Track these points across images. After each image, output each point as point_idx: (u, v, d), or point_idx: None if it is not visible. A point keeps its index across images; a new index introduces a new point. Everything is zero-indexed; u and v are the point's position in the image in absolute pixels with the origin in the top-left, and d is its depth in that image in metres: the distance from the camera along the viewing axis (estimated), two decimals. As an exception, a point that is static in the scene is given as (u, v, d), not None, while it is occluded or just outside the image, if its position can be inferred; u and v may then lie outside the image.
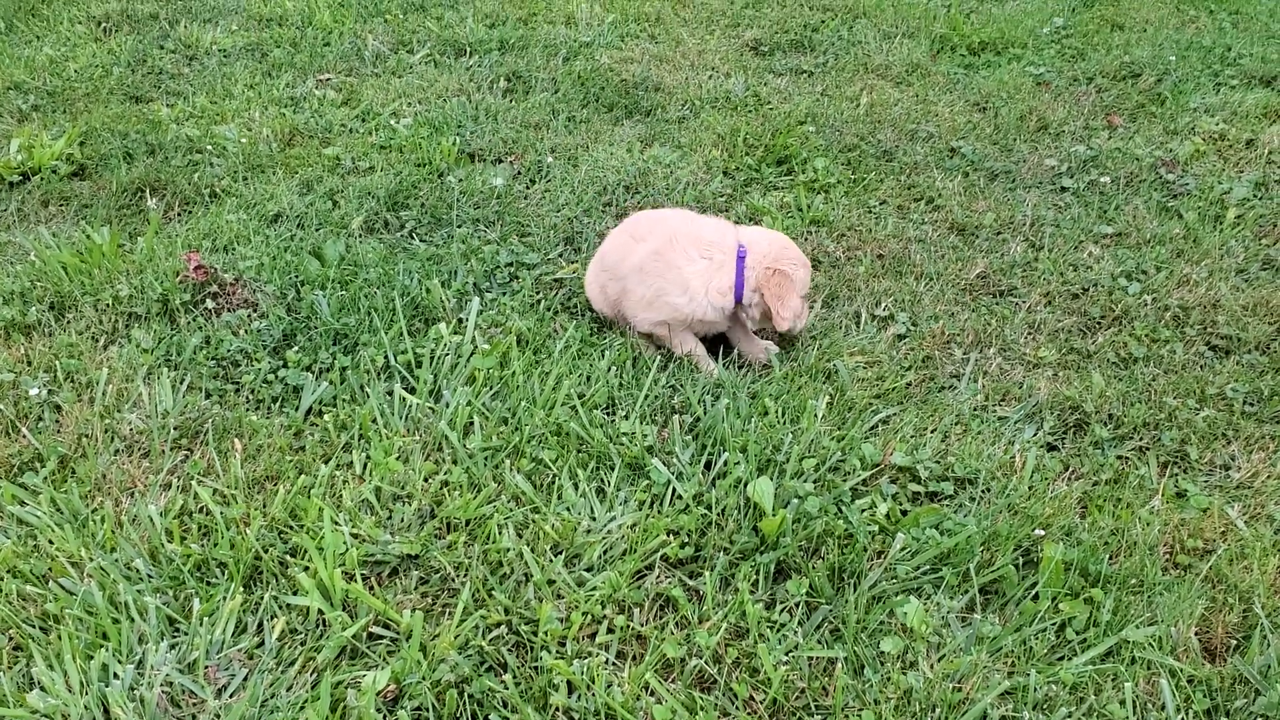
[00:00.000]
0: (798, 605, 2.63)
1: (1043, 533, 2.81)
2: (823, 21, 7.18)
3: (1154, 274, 4.07)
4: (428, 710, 2.37)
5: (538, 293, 3.95)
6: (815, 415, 3.23)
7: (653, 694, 2.42)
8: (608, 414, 3.29)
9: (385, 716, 2.36)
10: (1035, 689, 2.41)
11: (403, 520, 2.84)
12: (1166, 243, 4.31)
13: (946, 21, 7.14)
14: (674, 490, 2.96)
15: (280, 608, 2.60)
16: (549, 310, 3.82)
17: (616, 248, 3.66)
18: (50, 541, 2.75)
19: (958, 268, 4.14)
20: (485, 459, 3.06)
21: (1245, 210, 4.57)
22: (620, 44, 6.77)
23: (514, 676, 2.45)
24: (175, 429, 3.20)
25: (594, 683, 2.41)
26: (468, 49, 6.64)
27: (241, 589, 2.63)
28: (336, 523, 2.80)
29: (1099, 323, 3.83)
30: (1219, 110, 5.62)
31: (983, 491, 2.99)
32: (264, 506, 2.89)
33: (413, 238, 4.40)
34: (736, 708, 2.41)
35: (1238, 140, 5.24)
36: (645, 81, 6.08)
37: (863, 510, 2.88)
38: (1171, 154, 5.12)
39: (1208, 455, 3.20)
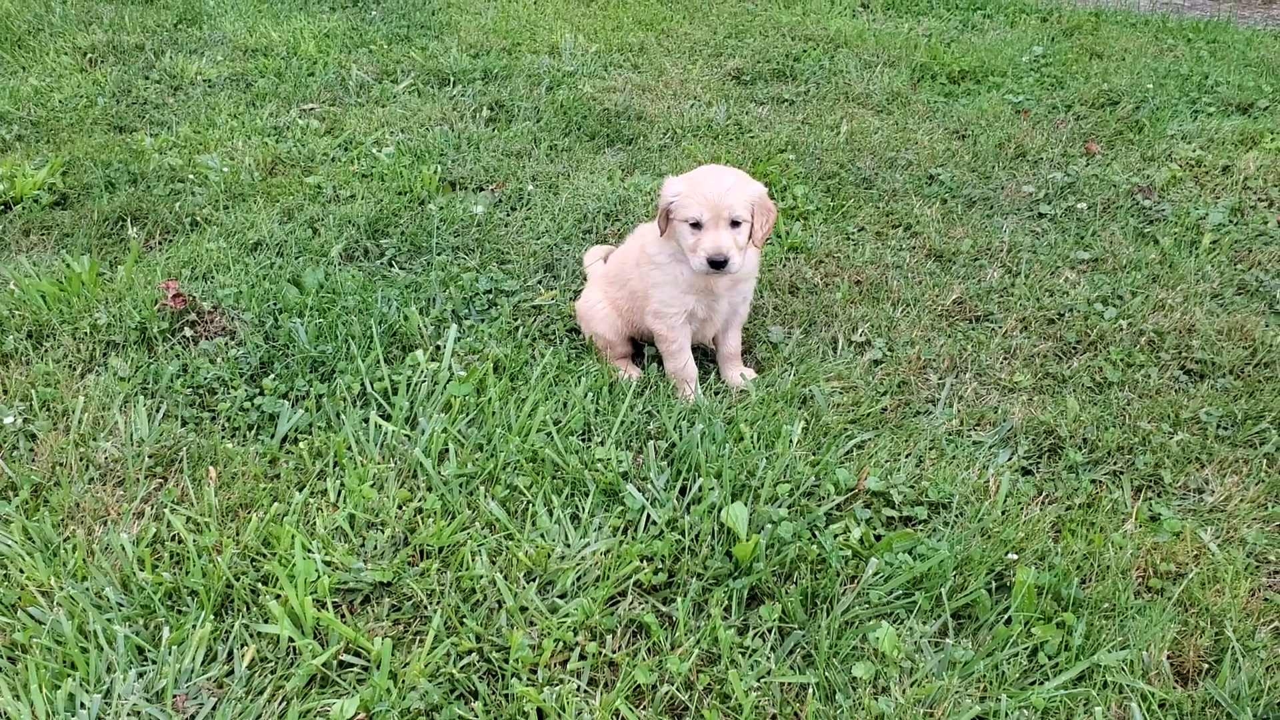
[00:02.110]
0: (770, 631, 2.63)
1: (1015, 557, 2.82)
2: (805, 51, 7.24)
3: (1130, 299, 4.09)
4: (397, 738, 2.36)
5: (516, 320, 3.96)
6: (790, 440, 3.23)
7: (623, 721, 2.42)
8: (583, 440, 3.29)
9: (354, 745, 2.35)
10: (1007, 714, 2.40)
11: (376, 548, 2.84)
12: (1142, 268, 4.34)
13: (927, 51, 7.21)
14: (648, 516, 2.96)
15: (251, 636, 2.59)
16: (527, 337, 3.83)
17: (618, 258, 3.72)
18: (20, 570, 2.73)
19: (934, 293, 4.16)
20: (460, 486, 3.06)
21: (1221, 236, 4.61)
22: (604, 73, 6.83)
23: (484, 704, 2.43)
24: (150, 457, 3.19)
25: (565, 710, 2.40)
26: (451, 78, 6.68)
27: (212, 617, 2.62)
28: (309, 550, 2.79)
29: (1074, 347, 3.85)
30: (1196, 137, 5.68)
31: (956, 516, 3.00)
32: (237, 534, 2.88)
33: (392, 265, 4.42)
34: (707, 734, 2.40)
35: (1214, 167, 5.30)
36: (627, 110, 6.12)
37: (836, 535, 2.88)
38: (1148, 180, 5.17)
39: (1181, 479, 3.21)
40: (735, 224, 3.27)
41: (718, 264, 3.24)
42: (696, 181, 3.30)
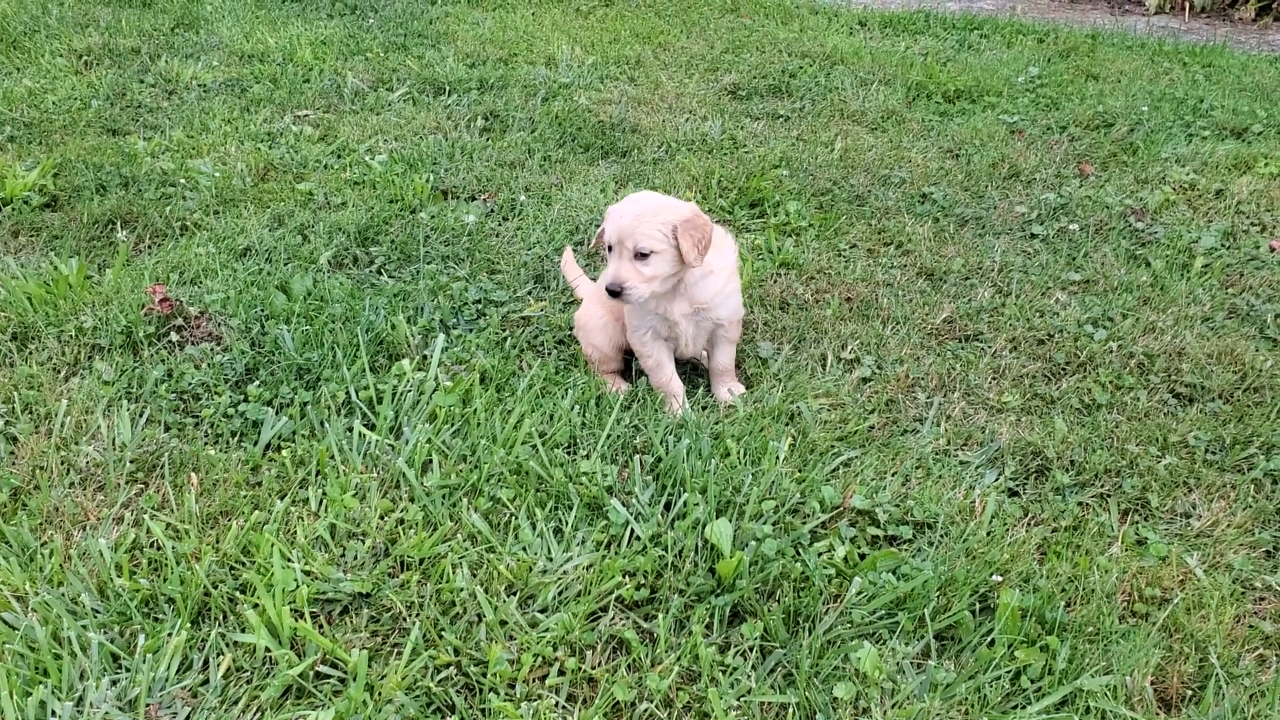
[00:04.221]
0: (752, 649, 2.61)
1: (1000, 579, 2.80)
2: (801, 68, 7.25)
3: (1120, 321, 4.09)
4: (371, 752, 2.34)
5: (504, 330, 3.95)
6: (776, 457, 3.22)
7: (601, 738, 2.39)
8: (569, 453, 3.27)
9: (328, 758, 2.32)
10: (988, 737, 2.39)
11: (356, 558, 2.81)
12: (1133, 290, 4.33)
13: (923, 69, 7.22)
14: (632, 531, 2.94)
15: (227, 645, 2.56)
16: (515, 348, 3.81)
17: None
18: (-5, 575, 2.71)
19: (925, 312, 4.15)
20: (442, 497, 3.03)
21: (1213, 259, 4.61)
22: (600, 85, 6.83)
23: (461, 718, 2.41)
24: (132, 462, 3.16)
25: (542, 726, 2.38)
26: (447, 87, 6.68)
27: (189, 625, 2.59)
28: (288, 559, 2.76)
29: (1064, 369, 3.84)
30: (1190, 160, 5.68)
31: (941, 536, 2.98)
32: (216, 542, 2.86)
33: (381, 274, 4.40)
34: (686, 753, 2.38)
35: (1207, 190, 5.30)
36: (623, 123, 6.12)
37: (820, 553, 2.86)
38: (1141, 203, 5.17)
39: (1168, 503, 3.20)
40: (643, 256, 3.25)
41: (613, 292, 3.26)
42: (619, 205, 3.34)
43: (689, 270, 3.33)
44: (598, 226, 4.70)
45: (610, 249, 3.30)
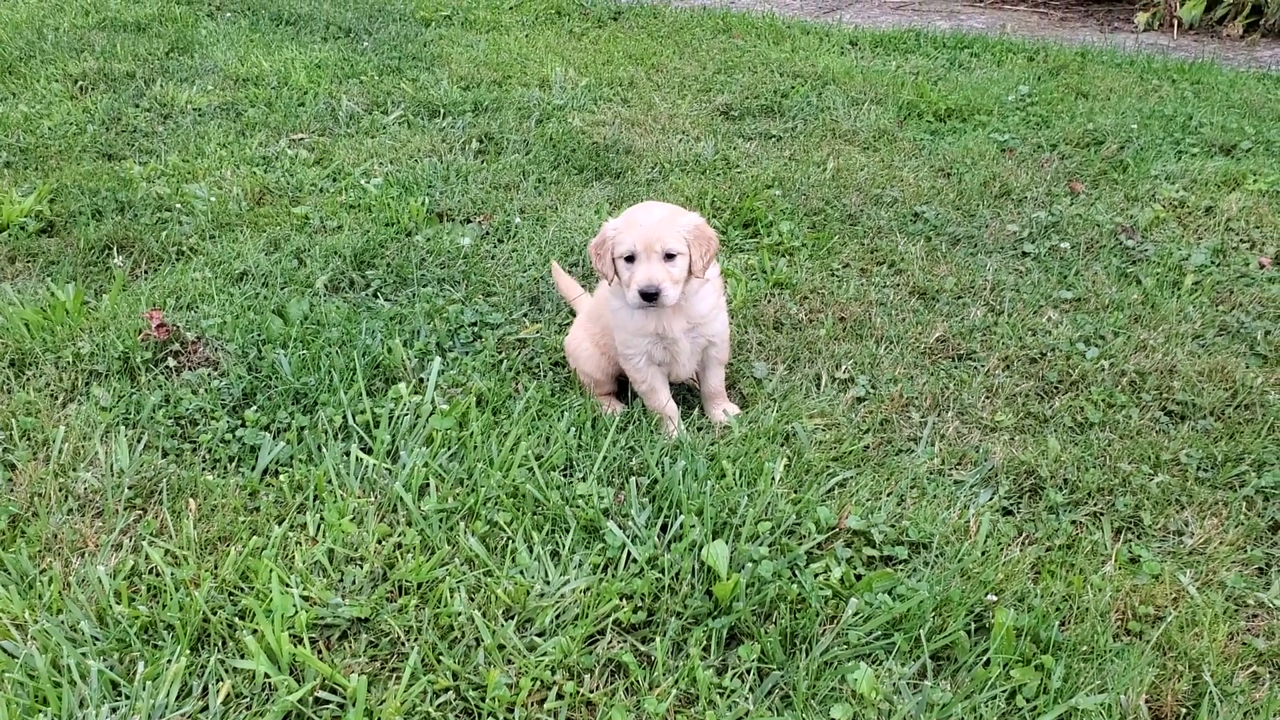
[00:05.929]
0: (749, 671, 2.62)
1: (995, 598, 2.81)
2: (793, 88, 7.29)
3: (1112, 339, 4.11)
4: (371, 778, 2.35)
5: (500, 353, 3.97)
6: (772, 478, 3.24)
7: (600, 761, 2.40)
8: (565, 476, 3.29)
9: (327, 784, 2.33)
10: (984, 757, 2.40)
11: (354, 583, 2.82)
12: (1125, 308, 4.36)
13: (914, 89, 7.26)
14: (629, 554, 2.95)
15: (226, 671, 2.57)
16: (511, 370, 3.83)
17: (598, 293, 3.72)
18: (-5, 603, 2.72)
19: (918, 331, 4.18)
20: (439, 521, 3.05)
21: (1203, 277, 4.64)
22: (593, 107, 6.87)
23: (460, 743, 2.42)
24: (130, 488, 3.18)
25: (541, 750, 2.39)
26: (441, 110, 6.72)
27: (188, 652, 2.60)
28: (287, 584, 2.78)
29: (1056, 387, 3.86)
30: (1179, 178, 5.72)
31: (936, 556, 3.00)
32: (215, 568, 2.87)
33: (377, 297, 4.42)
34: (684, 776, 2.39)
35: (1197, 207, 5.33)
36: (616, 144, 6.15)
37: (816, 575, 2.88)
38: (1132, 220, 5.20)
39: (1161, 521, 3.22)
40: (670, 257, 3.24)
41: (649, 295, 3.21)
42: (629, 216, 3.33)
43: (690, 282, 3.35)
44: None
45: (630, 259, 3.25)
